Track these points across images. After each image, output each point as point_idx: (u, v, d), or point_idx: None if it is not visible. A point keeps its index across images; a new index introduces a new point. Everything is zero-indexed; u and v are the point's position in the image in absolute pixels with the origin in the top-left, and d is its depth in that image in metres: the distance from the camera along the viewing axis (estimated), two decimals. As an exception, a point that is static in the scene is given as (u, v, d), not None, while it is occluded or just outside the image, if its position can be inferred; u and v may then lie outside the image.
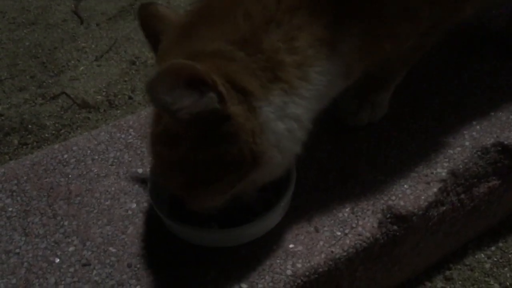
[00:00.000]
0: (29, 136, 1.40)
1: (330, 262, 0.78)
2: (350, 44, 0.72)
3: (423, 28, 0.81)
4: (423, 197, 0.85)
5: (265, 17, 0.66)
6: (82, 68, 1.62)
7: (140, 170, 0.91)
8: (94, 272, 0.77)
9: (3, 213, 0.86)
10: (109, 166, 0.93)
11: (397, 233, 0.83)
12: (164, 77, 0.58)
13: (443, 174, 0.88)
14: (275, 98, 0.67)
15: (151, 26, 0.76)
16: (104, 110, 1.46)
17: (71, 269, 0.77)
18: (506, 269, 1.03)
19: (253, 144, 0.66)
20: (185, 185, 0.70)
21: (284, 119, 0.68)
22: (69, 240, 0.81)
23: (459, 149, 0.92)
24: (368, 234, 0.80)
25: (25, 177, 0.91)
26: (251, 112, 0.66)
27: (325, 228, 0.81)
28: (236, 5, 0.67)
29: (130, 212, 0.85)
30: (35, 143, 1.38)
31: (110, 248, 0.80)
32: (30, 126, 1.42)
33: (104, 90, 1.53)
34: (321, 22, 0.69)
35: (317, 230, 0.81)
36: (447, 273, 1.03)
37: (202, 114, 0.61)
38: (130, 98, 1.50)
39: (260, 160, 0.67)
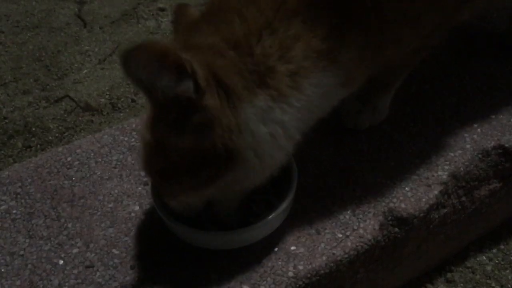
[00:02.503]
0: (33, 139, 1.40)
1: (332, 264, 0.78)
2: (350, 54, 0.72)
3: (424, 32, 0.82)
4: (424, 200, 0.86)
5: (260, 23, 0.67)
6: (85, 71, 1.62)
7: (143, 173, 0.92)
8: (98, 274, 0.77)
9: (7, 215, 0.86)
10: (113, 168, 0.93)
11: (398, 236, 0.84)
12: (137, 53, 0.58)
13: (444, 176, 0.89)
14: (259, 102, 0.67)
15: (178, 22, 0.78)
16: (107, 113, 1.47)
17: (75, 271, 0.78)
18: (507, 271, 1.03)
19: (228, 140, 0.65)
20: (161, 172, 0.70)
21: (267, 123, 0.68)
22: (73, 242, 0.82)
23: (460, 151, 0.92)
24: (369, 236, 0.81)
25: (29, 180, 0.92)
26: (232, 109, 0.66)
27: (327, 230, 0.82)
28: (236, 7, 0.68)
29: (133, 214, 0.85)
30: (39, 146, 1.39)
31: (113, 250, 0.80)
32: (34, 129, 1.43)
33: (107, 93, 1.53)
34: (320, 32, 0.69)
35: (318, 232, 0.82)
36: (449, 275, 1.03)
37: (178, 99, 0.62)
38: (133, 101, 1.50)
39: (234, 159, 0.67)
